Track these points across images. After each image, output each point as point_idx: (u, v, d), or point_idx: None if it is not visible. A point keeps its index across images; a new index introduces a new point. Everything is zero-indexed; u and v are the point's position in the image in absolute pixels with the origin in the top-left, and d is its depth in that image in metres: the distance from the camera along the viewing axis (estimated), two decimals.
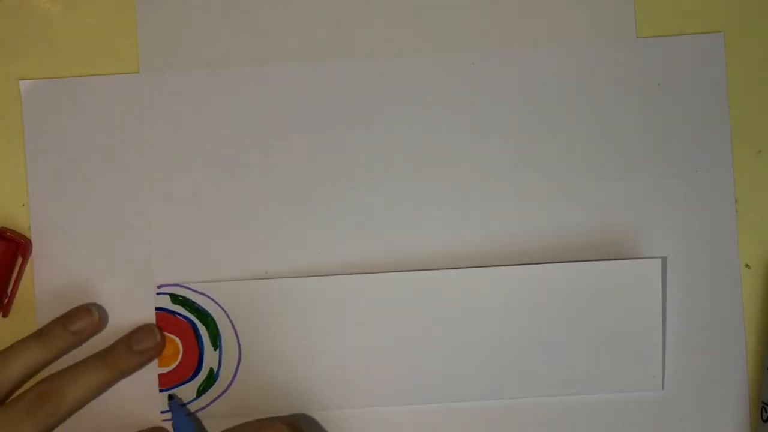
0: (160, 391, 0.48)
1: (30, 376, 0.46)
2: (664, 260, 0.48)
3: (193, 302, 0.48)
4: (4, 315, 0.48)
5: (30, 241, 0.49)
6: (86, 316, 0.47)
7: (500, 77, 0.49)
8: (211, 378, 0.48)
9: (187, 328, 0.48)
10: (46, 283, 0.49)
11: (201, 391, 0.48)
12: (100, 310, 0.48)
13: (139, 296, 0.48)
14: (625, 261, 0.47)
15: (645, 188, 0.48)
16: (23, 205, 0.49)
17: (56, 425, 0.46)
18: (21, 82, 0.49)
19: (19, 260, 0.48)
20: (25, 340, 0.46)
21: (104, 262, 0.49)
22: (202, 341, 0.48)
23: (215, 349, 0.48)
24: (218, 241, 0.49)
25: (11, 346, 0.46)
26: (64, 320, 0.47)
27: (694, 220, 0.48)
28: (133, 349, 0.47)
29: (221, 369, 0.48)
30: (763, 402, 0.47)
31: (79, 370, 0.46)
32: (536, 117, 0.49)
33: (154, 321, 0.48)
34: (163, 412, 0.48)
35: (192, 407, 0.48)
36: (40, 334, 0.47)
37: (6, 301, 0.48)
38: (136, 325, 0.48)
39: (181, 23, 0.49)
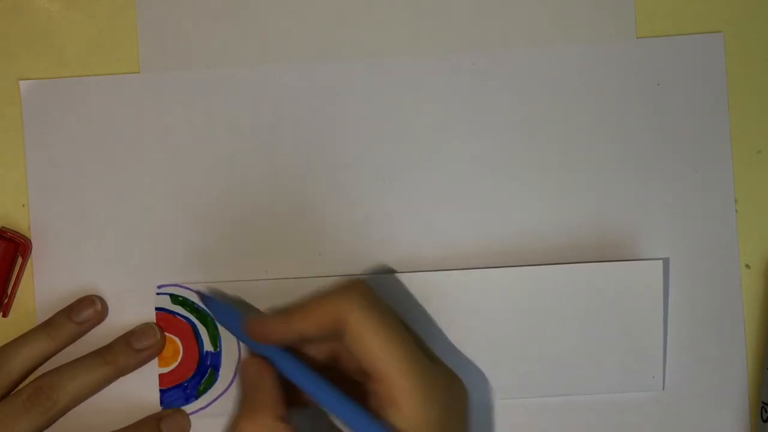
0: (161, 390, 0.48)
1: (36, 366, 0.47)
2: (666, 261, 0.48)
3: (193, 302, 0.48)
4: (4, 315, 0.48)
5: (30, 241, 0.49)
6: (90, 306, 0.48)
7: (500, 77, 0.49)
8: (212, 378, 0.48)
9: (187, 328, 0.48)
10: (46, 283, 0.49)
11: (201, 391, 0.48)
12: (102, 301, 0.48)
13: (139, 296, 0.48)
14: (627, 262, 0.47)
15: (645, 188, 0.48)
16: (23, 205, 0.49)
17: (53, 421, 0.46)
18: (21, 82, 0.49)
19: (19, 260, 0.48)
20: (32, 332, 0.47)
21: (104, 262, 0.49)
22: (201, 341, 0.48)
23: (215, 349, 0.48)
24: (218, 241, 0.49)
25: (19, 337, 0.47)
26: (68, 311, 0.47)
27: (694, 220, 0.48)
28: (132, 347, 0.47)
29: (221, 369, 0.48)
30: (763, 402, 0.47)
31: (77, 367, 0.46)
32: (536, 117, 0.49)
33: (154, 321, 0.48)
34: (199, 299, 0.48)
35: (192, 407, 0.48)
36: (46, 325, 0.47)
37: (6, 301, 0.48)
38: (136, 325, 0.48)
39: (181, 23, 0.49)
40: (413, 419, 0.39)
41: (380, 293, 0.42)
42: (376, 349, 0.39)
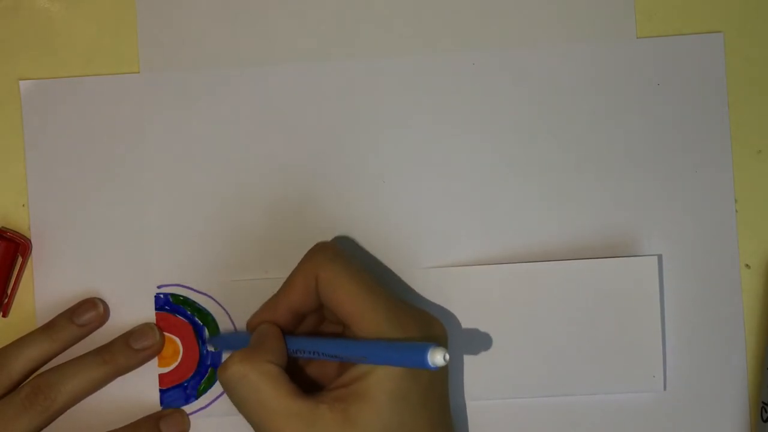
0: (161, 390, 0.48)
1: (37, 368, 0.47)
2: (660, 258, 0.48)
3: (194, 302, 0.48)
4: (4, 315, 0.48)
5: (30, 241, 0.49)
6: (92, 309, 0.48)
7: (500, 77, 0.49)
8: (212, 378, 0.48)
9: (187, 328, 0.48)
10: (46, 283, 0.49)
11: (201, 391, 0.48)
12: (104, 303, 0.48)
13: (139, 296, 0.48)
14: (622, 259, 0.47)
15: (645, 188, 0.48)
16: (23, 205, 0.49)
17: (52, 420, 0.46)
18: (21, 82, 0.49)
19: (19, 260, 0.48)
20: (33, 334, 0.47)
21: (104, 262, 0.49)
22: (202, 341, 0.48)
23: (216, 349, 0.48)
24: (218, 241, 0.49)
25: (20, 339, 0.47)
26: (70, 313, 0.47)
27: (694, 220, 0.48)
28: (131, 347, 0.47)
29: None
30: (763, 402, 0.47)
31: (75, 366, 0.46)
32: (536, 117, 0.49)
33: (154, 321, 0.48)
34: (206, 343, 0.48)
35: (192, 407, 0.48)
36: (47, 327, 0.47)
37: (6, 301, 0.48)
38: (136, 324, 0.48)
39: (181, 23, 0.49)
40: None
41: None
42: (345, 294, 0.41)
